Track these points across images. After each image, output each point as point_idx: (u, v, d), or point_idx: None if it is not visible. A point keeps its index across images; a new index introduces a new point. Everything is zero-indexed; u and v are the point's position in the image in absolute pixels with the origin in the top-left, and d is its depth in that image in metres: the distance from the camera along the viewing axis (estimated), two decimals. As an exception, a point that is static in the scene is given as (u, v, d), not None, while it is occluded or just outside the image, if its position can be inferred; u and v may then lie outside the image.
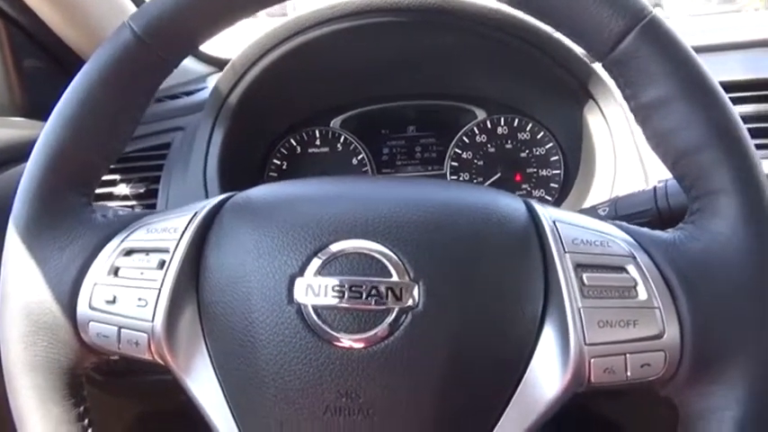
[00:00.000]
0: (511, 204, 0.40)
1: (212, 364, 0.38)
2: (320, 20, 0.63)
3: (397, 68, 0.77)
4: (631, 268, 0.36)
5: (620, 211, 0.50)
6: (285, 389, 0.35)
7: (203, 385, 0.38)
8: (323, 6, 0.64)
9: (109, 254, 0.40)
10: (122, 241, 0.40)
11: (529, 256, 0.37)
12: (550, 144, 0.80)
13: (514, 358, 0.36)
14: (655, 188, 0.50)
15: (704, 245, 0.35)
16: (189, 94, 0.87)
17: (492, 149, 0.82)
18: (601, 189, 0.65)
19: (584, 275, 0.36)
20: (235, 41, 0.76)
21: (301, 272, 0.36)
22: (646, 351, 0.35)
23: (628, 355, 0.35)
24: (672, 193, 0.48)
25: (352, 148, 0.84)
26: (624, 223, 0.39)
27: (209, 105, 0.70)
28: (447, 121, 0.84)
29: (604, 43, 0.37)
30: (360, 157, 0.84)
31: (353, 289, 0.35)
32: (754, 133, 0.61)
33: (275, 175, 0.84)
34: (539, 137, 0.81)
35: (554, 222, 0.38)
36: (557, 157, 0.79)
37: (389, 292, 0.35)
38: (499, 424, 0.36)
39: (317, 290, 0.35)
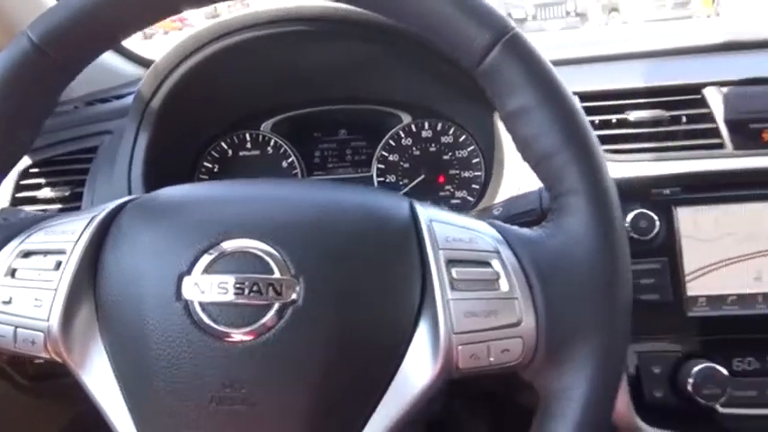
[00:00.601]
0: (394, 205, 0.42)
1: (109, 360, 0.40)
2: (238, 26, 0.65)
3: (322, 74, 0.79)
4: (495, 263, 0.39)
5: (511, 211, 0.53)
6: (173, 381, 0.37)
7: (99, 381, 0.40)
8: (241, 14, 0.66)
9: (6, 256, 0.41)
10: (20, 243, 0.42)
11: (407, 254, 0.40)
12: (472, 147, 0.83)
13: (392, 350, 0.39)
14: (539, 189, 0.53)
15: (559, 241, 0.39)
16: (120, 97, 0.87)
17: (417, 152, 0.85)
18: (509, 189, 0.69)
19: (454, 270, 0.39)
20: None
21: (189, 270, 0.38)
22: (506, 338, 0.38)
23: (490, 342, 0.38)
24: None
25: (282, 151, 0.86)
26: (498, 222, 0.43)
27: (133, 109, 0.71)
28: (375, 124, 0.87)
29: (473, 56, 0.40)
30: (290, 160, 0.86)
31: (237, 286, 0.37)
32: (648, 137, 0.66)
33: (206, 177, 0.86)
34: (461, 140, 0.84)
35: (430, 221, 0.41)
36: (478, 160, 0.83)
37: (271, 288, 0.37)
38: (376, 411, 0.38)
39: (203, 287, 0.37)
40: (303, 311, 0.37)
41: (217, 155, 0.86)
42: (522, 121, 0.40)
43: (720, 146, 0.64)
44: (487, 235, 0.41)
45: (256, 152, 0.86)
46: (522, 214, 0.52)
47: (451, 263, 0.39)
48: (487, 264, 0.39)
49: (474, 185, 0.84)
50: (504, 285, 0.39)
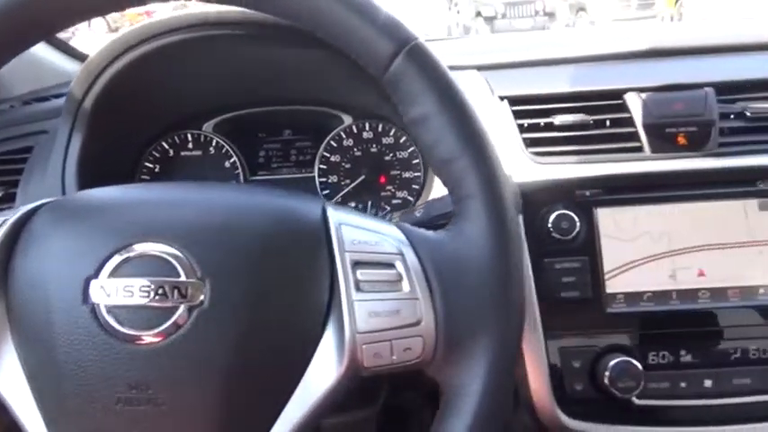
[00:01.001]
0: (305, 208, 0.44)
1: (20, 363, 0.40)
2: (166, 29, 0.65)
3: (263, 76, 0.79)
4: (399, 264, 0.41)
5: (431, 213, 0.55)
6: (81, 384, 0.38)
7: (11, 383, 0.40)
8: (170, 16, 0.66)
9: None
10: None
11: (316, 257, 0.41)
12: (412, 148, 0.85)
13: (300, 351, 0.40)
14: None
15: (457, 244, 0.41)
16: (59, 96, 0.87)
17: (358, 153, 0.86)
18: (440, 190, 0.71)
19: (359, 272, 0.40)
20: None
21: (96, 274, 0.39)
22: (407, 337, 0.40)
23: (393, 341, 0.40)
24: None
25: (224, 151, 0.86)
26: (406, 225, 0.44)
27: (66, 108, 0.71)
28: (319, 125, 0.88)
29: (378, 65, 0.42)
30: (232, 161, 0.86)
31: (142, 289, 0.38)
32: (573, 140, 0.69)
33: (147, 178, 0.85)
34: (401, 141, 0.86)
35: (339, 225, 0.42)
36: (418, 161, 0.85)
37: (176, 291, 0.38)
38: (284, 411, 0.40)
39: (109, 290, 0.38)
40: (209, 313, 0.38)
41: (158, 155, 0.86)
42: (423, 128, 0.41)
43: (639, 149, 0.67)
44: (393, 238, 0.42)
45: (198, 152, 0.86)
46: (440, 216, 0.54)
47: (357, 265, 0.41)
48: (391, 265, 0.41)
49: (414, 186, 0.85)
50: (406, 286, 0.40)
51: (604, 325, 0.64)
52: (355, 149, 0.86)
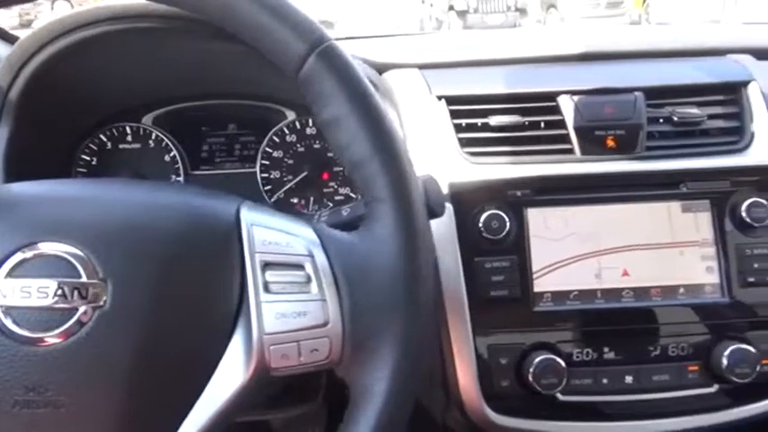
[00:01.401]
0: (218, 208, 0.43)
1: None
2: (91, 20, 0.63)
3: (201, 69, 0.78)
4: (308, 265, 0.41)
5: (356, 212, 0.55)
6: None
7: None
8: (94, 6, 0.65)
9: None
10: None
11: (227, 258, 0.41)
12: None
13: (207, 353, 0.40)
14: None
15: (367, 246, 0.41)
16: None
17: (301, 149, 0.86)
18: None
19: (269, 273, 0.41)
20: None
21: None
22: (314, 338, 0.40)
23: (300, 343, 0.40)
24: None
25: (164, 145, 0.85)
26: (321, 225, 0.45)
27: None
28: (263, 120, 0.87)
29: (292, 65, 0.42)
30: (172, 155, 0.85)
31: (40, 290, 0.37)
32: (507, 141, 0.70)
33: (84, 170, 0.84)
34: None
35: (251, 225, 0.42)
36: None
37: (76, 292, 0.37)
38: (191, 414, 0.39)
39: (5, 291, 0.37)
40: (110, 315, 0.38)
41: (95, 147, 0.84)
42: (335, 129, 0.42)
43: (570, 151, 0.69)
44: (305, 239, 0.42)
45: (137, 145, 0.85)
46: (362, 216, 0.54)
47: (267, 266, 0.41)
48: (300, 267, 0.41)
49: (357, 183, 0.85)
50: (314, 288, 0.40)
51: (532, 323, 0.65)
52: (298, 145, 0.86)
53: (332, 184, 0.86)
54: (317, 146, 0.86)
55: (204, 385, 0.40)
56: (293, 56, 0.41)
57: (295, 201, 0.86)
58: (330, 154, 0.86)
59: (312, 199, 0.86)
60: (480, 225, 0.65)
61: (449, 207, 0.66)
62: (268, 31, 0.41)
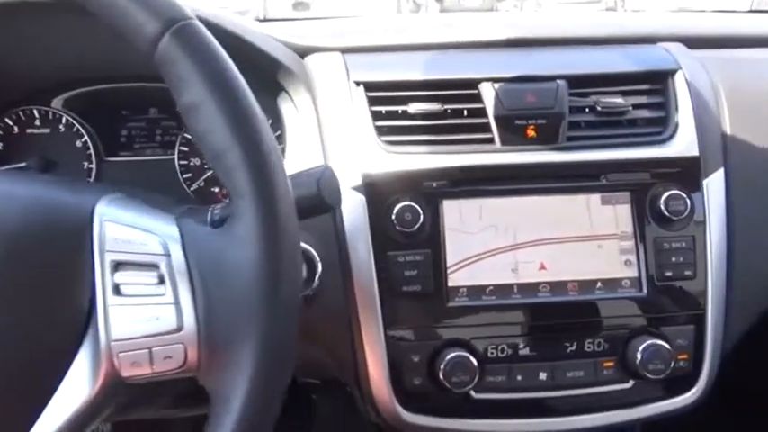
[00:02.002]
0: (71, 202, 0.40)
1: None
2: None
3: (108, 50, 0.74)
4: (163, 266, 0.38)
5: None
6: None
7: None
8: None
9: None
10: None
11: (77, 257, 0.38)
12: (278, 132, 0.82)
13: (53, 362, 0.37)
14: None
15: (226, 245, 0.38)
16: None
17: None
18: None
19: (118, 274, 0.37)
20: None
21: None
22: (167, 344, 0.37)
23: (152, 349, 0.37)
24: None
25: (74, 129, 0.80)
26: (187, 220, 0.41)
27: None
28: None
29: (146, 46, 0.38)
30: (83, 140, 0.80)
31: None
32: (426, 130, 0.67)
33: (-11, 156, 0.79)
34: (276, 124, 0.82)
35: (103, 221, 0.39)
36: (282, 146, 0.81)
37: None
38: (37, 424, 0.36)
39: None
40: None
41: (2, 132, 0.79)
42: (193, 116, 0.38)
43: (490, 141, 0.66)
44: (164, 236, 0.39)
45: (46, 130, 0.80)
46: None
47: (118, 266, 0.37)
48: (155, 267, 0.38)
49: (280, 171, 0.82)
50: (168, 290, 0.37)
51: (445, 319, 0.63)
52: (220, 131, 0.82)
53: (254, 173, 0.83)
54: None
55: (50, 395, 0.36)
56: (146, 36, 0.38)
57: (216, 190, 0.83)
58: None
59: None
60: (393, 217, 0.62)
61: (361, 198, 0.64)
62: (122, 9, 0.38)
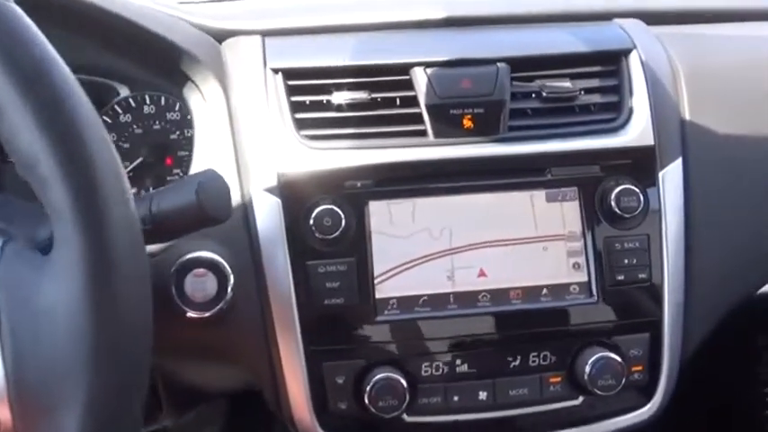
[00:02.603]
0: None
1: None
2: None
3: None
4: None
5: (162, 204, 0.44)
6: None
7: None
8: None
9: None
10: None
11: None
12: (183, 130, 0.74)
13: None
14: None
15: (41, 279, 0.31)
16: None
17: (138, 130, 0.74)
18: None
19: None
20: None
21: None
22: None
23: None
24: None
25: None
26: (16, 244, 0.34)
27: None
28: (93, 97, 0.75)
29: None
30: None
31: None
32: (350, 122, 0.60)
33: None
34: (189, 117, 0.74)
35: None
36: (189, 142, 0.74)
37: None
38: None
39: None
40: None
41: None
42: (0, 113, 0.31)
43: (423, 133, 0.59)
44: None
45: None
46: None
47: None
48: None
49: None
50: None
51: (373, 335, 0.57)
52: (134, 126, 0.74)
53: (176, 170, 0.74)
54: (156, 126, 0.74)
55: None
56: None
57: (134, 191, 0.75)
58: (174, 136, 0.75)
59: (152, 189, 0.75)
60: (311, 223, 0.55)
61: (277, 201, 0.57)
62: None
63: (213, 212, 0.41)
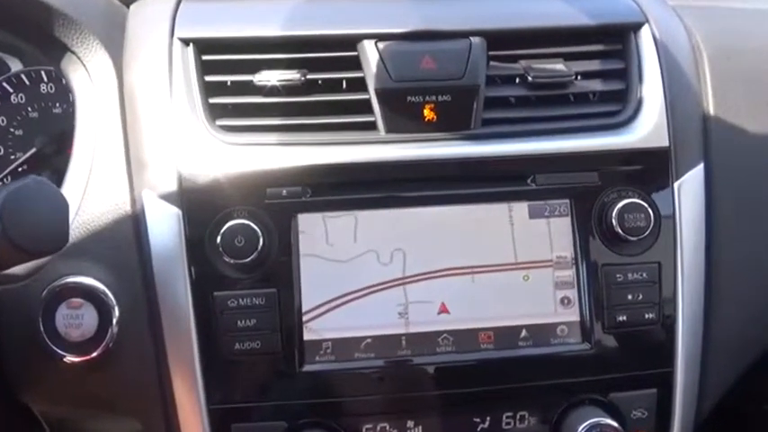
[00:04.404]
0: None
1: None
2: None
3: None
4: None
5: None
6: None
7: None
8: None
9: None
10: None
11: None
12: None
13: None
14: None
15: None
16: None
17: (34, 114, 0.61)
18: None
19: None
20: None
21: None
22: None
23: None
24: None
25: None
26: None
27: None
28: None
29: None
30: None
31: None
32: (278, 110, 0.46)
33: None
34: (71, 100, 0.61)
35: None
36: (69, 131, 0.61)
37: None
38: None
39: None
40: None
41: None
42: None
43: (371, 126, 0.46)
44: None
45: None
46: None
47: None
48: None
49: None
50: None
51: (299, 389, 0.45)
52: (29, 109, 0.62)
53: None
54: (57, 110, 0.62)
55: None
56: None
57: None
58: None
59: None
60: (218, 242, 0.42)
61: (177, 214, 0.44)
62: None
63: (24, 242, 0.28)
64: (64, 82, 0.61)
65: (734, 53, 0.53)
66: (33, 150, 0.61)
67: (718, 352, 0.48)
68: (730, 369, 0.50)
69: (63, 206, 0.32)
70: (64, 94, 0.62)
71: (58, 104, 0.62)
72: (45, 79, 0.62)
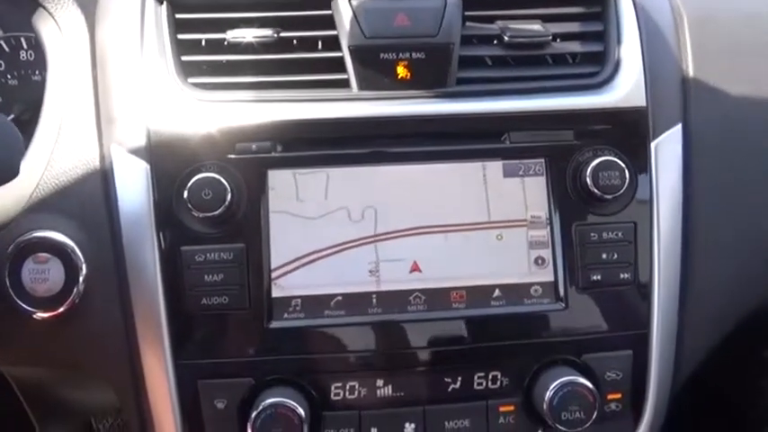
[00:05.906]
0: None
1: None
2: None
3: None
4: None
5: None
6: None
7: None
8: None
9: None
10: None
11: None
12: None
13: None
14: None
15: None
16: None
17: (13, 81, 0.61)
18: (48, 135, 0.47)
19: None
20: None
21: None
22: None
23: None
24: None
25: None
26: None
27: None
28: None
29: None
30: None
31: None
32: (251, 67, 0.45)
33: None
34: (42, 55, 0.60)
35: None
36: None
37: None
38: None
39: None
40: None
41: None
42: None
43: (344, 84, 0.46)
44: None
45: None
46: None
47: None
48: None
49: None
50: None
51: (267, 346, 0.44)
52: (8, 77, 0.61)
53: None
54: (36, 77, 0.61)
55: None
56: None
57: None
58: (58, 90, 0.61)
59: None
60: (186, 195, 0.42)
61: (145, 168, 0.44)
62: None
63: None
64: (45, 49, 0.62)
65: (714, 17, 0.52)
66: (11, 117, 0.61)
67: (696, 315, 0.47)
68: (708, 334, 0.49)
69: (13, 138, 0.32)
70: (44, 61, 0.63)
71: (37, 72, 0.62)
72: (25, 46, 0.61)
